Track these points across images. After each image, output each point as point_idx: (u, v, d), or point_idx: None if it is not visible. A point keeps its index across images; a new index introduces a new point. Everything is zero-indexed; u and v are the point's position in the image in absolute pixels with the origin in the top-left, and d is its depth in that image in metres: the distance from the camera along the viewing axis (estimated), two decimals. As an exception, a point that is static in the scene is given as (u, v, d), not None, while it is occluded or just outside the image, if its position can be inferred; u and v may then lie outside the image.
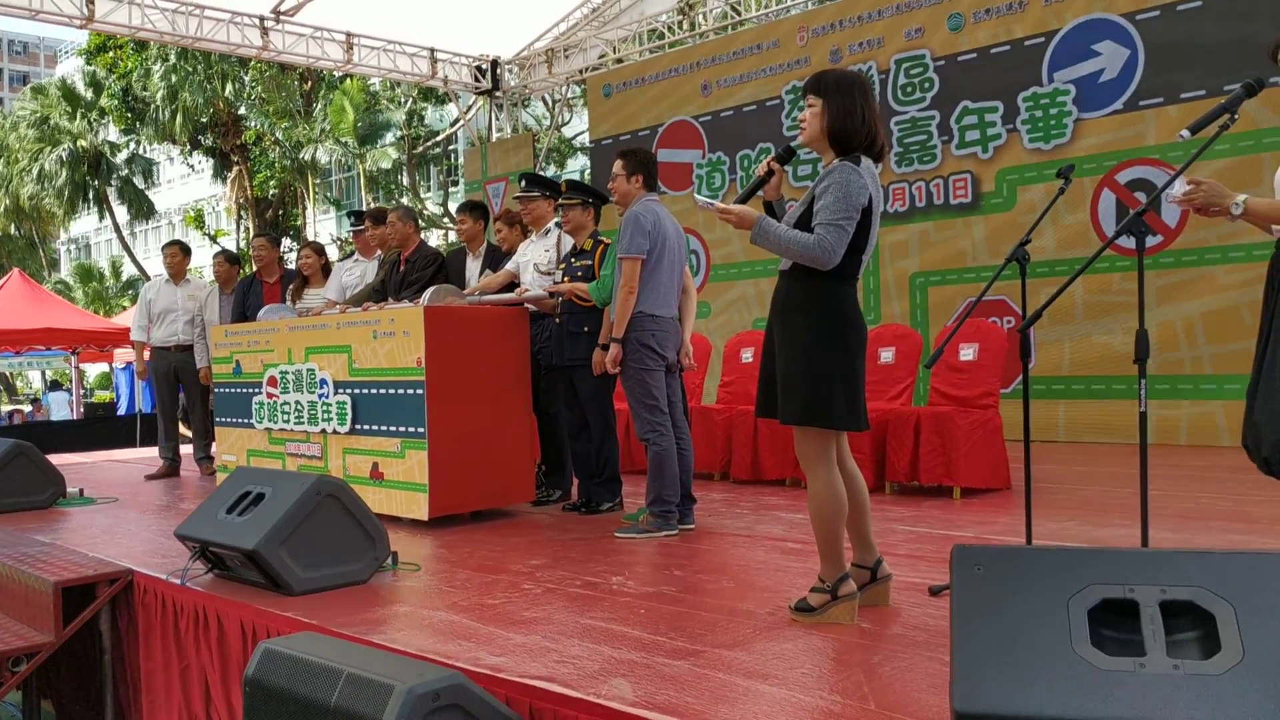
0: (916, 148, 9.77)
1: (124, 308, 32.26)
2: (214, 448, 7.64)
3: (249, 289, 8.27)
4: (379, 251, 7.37)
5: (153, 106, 28.94)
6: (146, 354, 8.61)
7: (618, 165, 5.18)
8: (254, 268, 8.53)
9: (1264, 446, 3.52)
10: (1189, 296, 8.13)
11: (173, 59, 27.57)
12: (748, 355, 7.34)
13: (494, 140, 14.80)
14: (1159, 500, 4.21)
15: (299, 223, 31.65)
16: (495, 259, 6.60)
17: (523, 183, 6.23)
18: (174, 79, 28.02)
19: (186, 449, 8.84)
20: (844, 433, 3.42)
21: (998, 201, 9.23)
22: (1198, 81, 8.07)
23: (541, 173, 16.00)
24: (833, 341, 3.26)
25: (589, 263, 5.61)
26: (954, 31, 9.52)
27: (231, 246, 29.99)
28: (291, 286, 8.02)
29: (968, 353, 6.21)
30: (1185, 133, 3.18)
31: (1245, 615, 1.89)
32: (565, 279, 5.68)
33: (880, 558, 3.54)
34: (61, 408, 22.78)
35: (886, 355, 6.58)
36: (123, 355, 19.17)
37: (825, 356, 3.25)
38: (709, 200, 3.40)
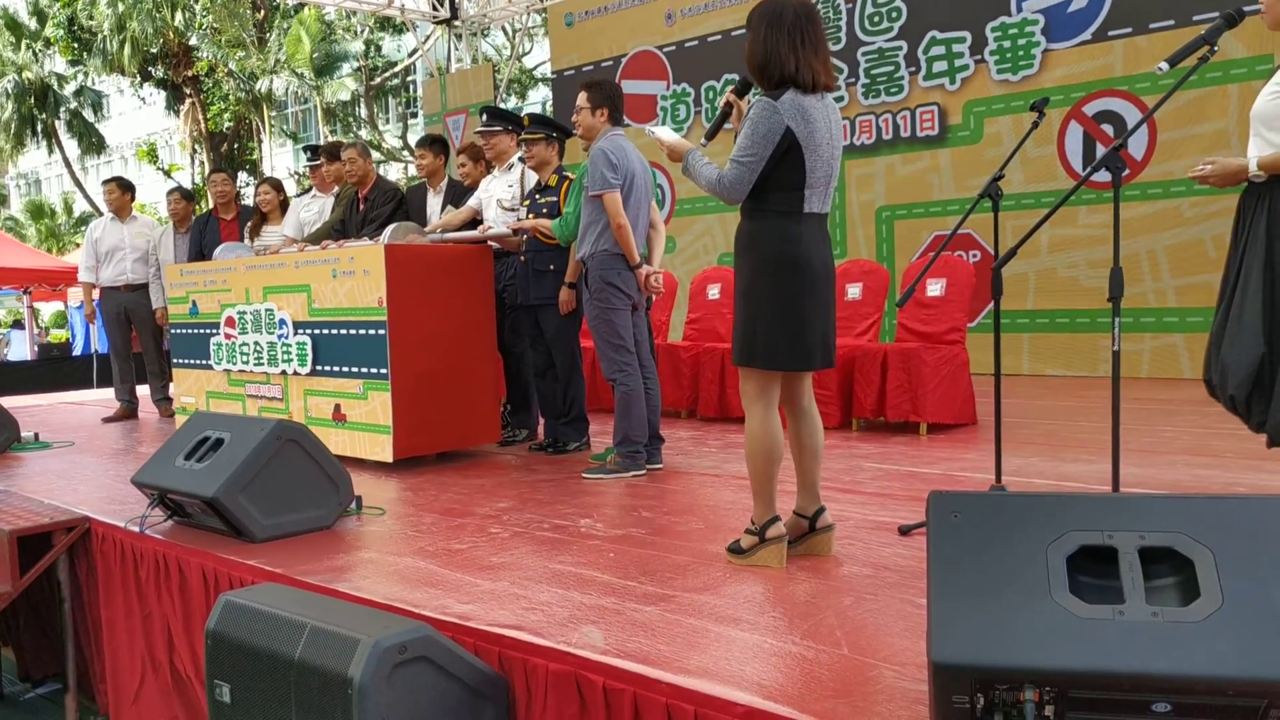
0: (884, 79, 9.64)
1: (77, 245, 31.45)
2: (172, 388, 7.48)
3: (205, 226, 8.05)
4: (336, 187, 7.21)
5: (100, 36, 28.09)
6: (96, 294, 8.35)
7: (582, 98, 5.03)
8: (210, 204, 8.30)
9: (1230, 385, 3.53)
10: (1153, 229, 8.12)
11: (119, -13, 26.73)
12: (714, 291, 7.26)
13: (453, 71, 14.46)
14: (1123, 434, 4.22)
15: (255, 156, 30.99)
16: (457, 195, 6.45)
17: (484, 116, 6.06)
18: (121, 7, 27.19)
19: (144, 389, 8.66)
20: (806, 374, 3.35)
21: (965, 134, 9.15)
22: (1166, 11, 7.98)
23: (502, 105, 15.71)
24: (770, 281, 3.17)
25: (554, 199, 5.49)
26: (922, -41, 9.34)
27: (186, 181, 29.37)
28: (249, 224, 7.83)
29: (935, 288, 6.17)
30: (1164, 65, 3.11)
31: (1224, 561, 1.87)
32: (530, 215, 5.56)
33: (823, 507, 3.39)
34: (20, 346, 22.33)
35: (854, 291, 6.53)
36: (76, 294, 18.76)
37: (761, 297, 3.19)
38: (652, 129, 3.33)
